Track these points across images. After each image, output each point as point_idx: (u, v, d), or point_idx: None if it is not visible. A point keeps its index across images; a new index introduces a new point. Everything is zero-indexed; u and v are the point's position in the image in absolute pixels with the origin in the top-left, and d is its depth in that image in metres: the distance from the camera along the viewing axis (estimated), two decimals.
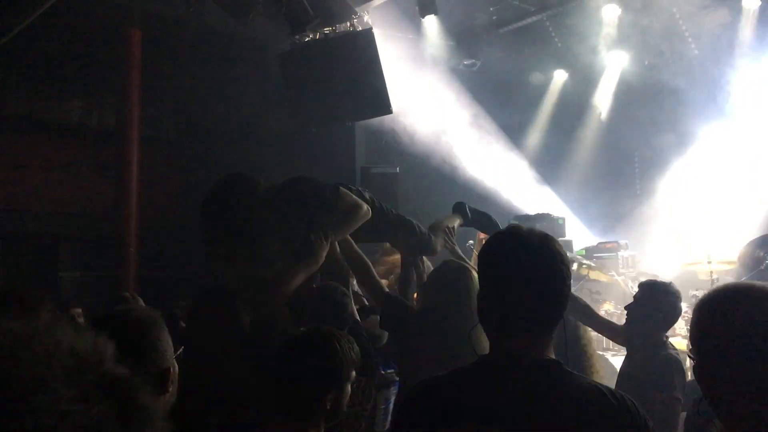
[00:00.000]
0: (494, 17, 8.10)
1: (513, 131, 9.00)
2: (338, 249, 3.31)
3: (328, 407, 2.20)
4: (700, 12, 7.19)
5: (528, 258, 1.62)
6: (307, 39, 6.77)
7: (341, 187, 3.24)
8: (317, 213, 3.16)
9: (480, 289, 1.72)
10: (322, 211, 3.17)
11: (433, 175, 8.13)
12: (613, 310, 6.09)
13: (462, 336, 2.85)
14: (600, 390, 1.58)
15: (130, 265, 7.85)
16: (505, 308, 1.64)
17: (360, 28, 6.76)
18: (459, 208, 4.52)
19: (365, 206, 3.26)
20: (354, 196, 3.27)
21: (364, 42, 6.55)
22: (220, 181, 3.10)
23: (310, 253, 3.09)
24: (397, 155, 8.25)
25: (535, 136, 9.30)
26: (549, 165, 9.21)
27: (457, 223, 4.45)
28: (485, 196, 8.36)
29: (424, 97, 7.80)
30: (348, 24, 6.84)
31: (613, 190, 9.00)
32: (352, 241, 3.31)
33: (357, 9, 6.74)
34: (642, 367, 3.29)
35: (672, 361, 3.30)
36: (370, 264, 3.35)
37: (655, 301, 3.45)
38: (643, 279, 4.34)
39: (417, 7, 7.07)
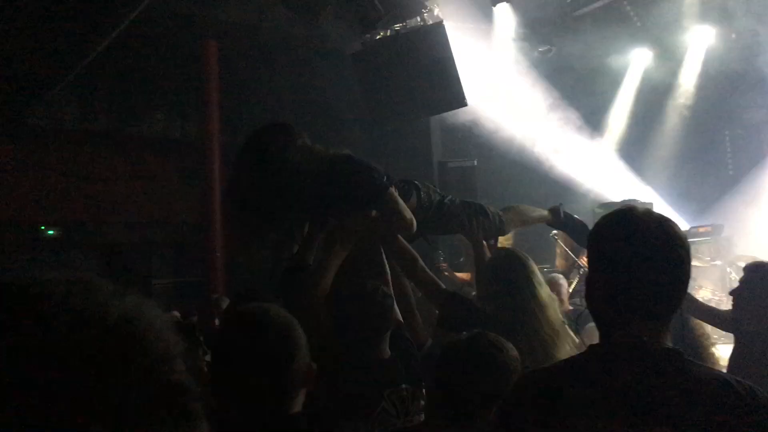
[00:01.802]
0: (568, 0, 7.86)
1: (594, 117, 8.73)
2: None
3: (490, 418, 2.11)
4: None
5: (645, 241, 1.52)
6: (378, 36, 6.76)
7: (391, 190, 3.02)
8: (356, 203, 2.98)
9: (590, 274, 1.62)
10: (361, 205, 2.99)
11: (512, 167, 7.98)
12: (710, 296, 5.80)
13: (514, 329, 2.66)
14: (726, 380, 1.47)
15: (217, 270, 8.06)
16: (620, 295, 1.53)
17: (431, 22, 6.71)
18: (554, 209, 4.30)
19: (408, 218, 3.01)
20: (401, 204, 3.04)
21: (436, 36, 6.50)
22: (254, 132, 2.95)
23: (338, 241, 2.93)
24: (474, 148, 8.14)
25: (617, 120, 9.00)
26: (633, 149, 8.89)
27: (538, 214, 4.27)
28: (567, 185, 8.15)
29: (499, 87, 7.66)
30: (418, 18, 6.80)
31: (702, 172, 8.60)
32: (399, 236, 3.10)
33: (427, 3, 6.69)
34: (759, 358, 3.08)
35: None
36: (418, 256, 3.12)
37: (765, 283, 3.25)
38: (742, 263, 4.10)
39: None
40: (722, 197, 8.01)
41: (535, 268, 2.98)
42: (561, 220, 4.25)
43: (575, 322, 3.12)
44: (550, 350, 2.69)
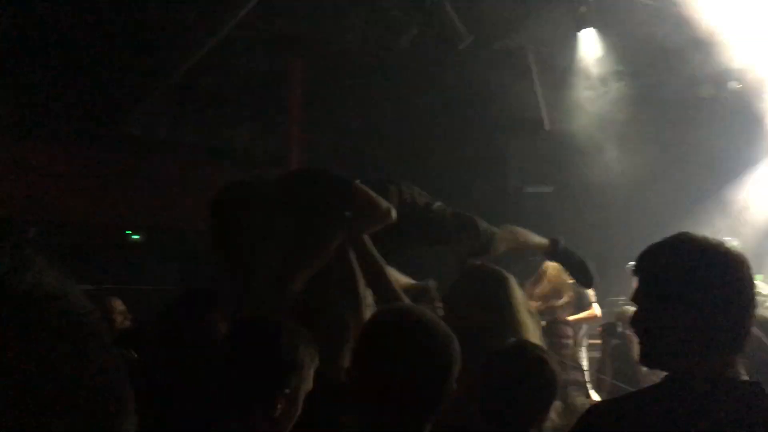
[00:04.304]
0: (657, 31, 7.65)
1: (691, 149, 8.43)
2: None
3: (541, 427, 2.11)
4: None
5: (717, 268, 1.55)
6: (459, 58, 6.78)
7: (357, 182, 2.80)
8: (324, 205, 2.75)
9: (661, 308, 1.59)
10: (330, 204, 2.75)
11: (590, 196, 7.81)
12: None
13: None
14: None
15: None
16: (699, 327, 1.52)
17: (514, 46, 6.69)
18: (553, 240, 4.03)
19: (385, 206, 2.77)
20: (372, 194, 2.78)
21: (518, 59, 6.48)
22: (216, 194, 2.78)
23: (314, 244, 2.68)
24: (552, 174, 8.02)
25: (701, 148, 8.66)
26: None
27: (536, 241, 3.93)
28: (653, 220, 7.90)
29: (581, 112, 7.53)
30: (502, 40, 6.79)
31: None
32: (368, 240, 2.81)
33: (511, 26, 6.68)
34: None
35: None
36: (385, 269, 2.83)
37: None
38: None
39: (574, 22, 6.89)
40: None
41: (518, 289, 2.78)
42: (558, 253, 4.02)
43: None
44: None
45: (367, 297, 2.82)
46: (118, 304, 4.81)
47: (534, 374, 2.07)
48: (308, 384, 1.89)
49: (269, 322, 1.95)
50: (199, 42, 6.09)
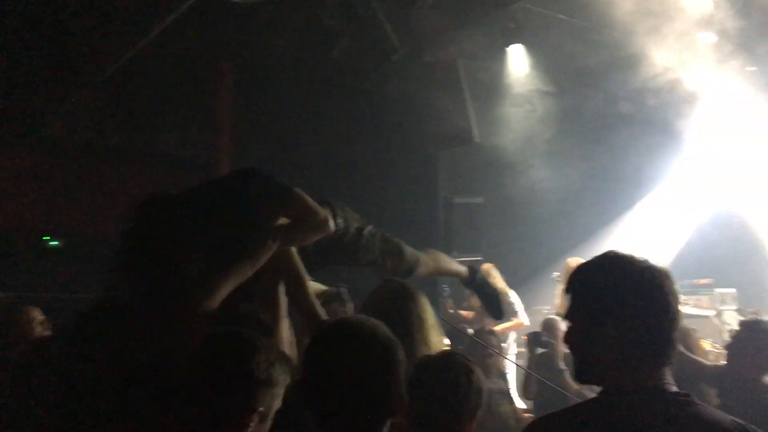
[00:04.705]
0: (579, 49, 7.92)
1: (613, 167, 8.70)
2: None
3: None
4: None
5: (647, 285, 1.61)
6: (391, 69, 6.84)
7: (297, 189, 2.71)
8: (260, 210, 2.64)
9: (589, 324, 1.65)
10: (267, 210, 2.65)
11: (517, 208, 7.98)
12: (710, 349, 5.77)
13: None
14: (740, 424, 1.56)
15: None
16: (632, 341, 1.60)
17: (445, 57, 6.79)
18: (471, 268, 4.19)
19: (323, 214, 2.74)
20: (311, 202, 2.72)
21: (449, 71, 6.57)
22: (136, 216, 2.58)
23: (244, 253, 2.55)
24: (481, 186, 8.15)
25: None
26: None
27: (455, 268, 4.04)
28: (579, 234, 8.12)
29: (510, 126, 7.71)
30: (433, 53, 6.88)
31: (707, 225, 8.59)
32: (293, 249, 2.74)
33: (442, 38, 6.78)
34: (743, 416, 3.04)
35: None
36: (307, 280, 2.76)
37: (756, 340, 3.22)
38: (744, 317, 4.09)
39: (504, 38, 7.05)
40: (727, 249, 7.98)
41: (426, 306, 2.81)
42: (474, 281, 4.14)
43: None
44: None
45: (283, 308, 2.75)
46: (37, 314, 4.61)
47: (460, 383, 2.13)
48: (279, 402, 1.87)
49: (245, 339, 1.92)
50: (126, 43, 5.93)
